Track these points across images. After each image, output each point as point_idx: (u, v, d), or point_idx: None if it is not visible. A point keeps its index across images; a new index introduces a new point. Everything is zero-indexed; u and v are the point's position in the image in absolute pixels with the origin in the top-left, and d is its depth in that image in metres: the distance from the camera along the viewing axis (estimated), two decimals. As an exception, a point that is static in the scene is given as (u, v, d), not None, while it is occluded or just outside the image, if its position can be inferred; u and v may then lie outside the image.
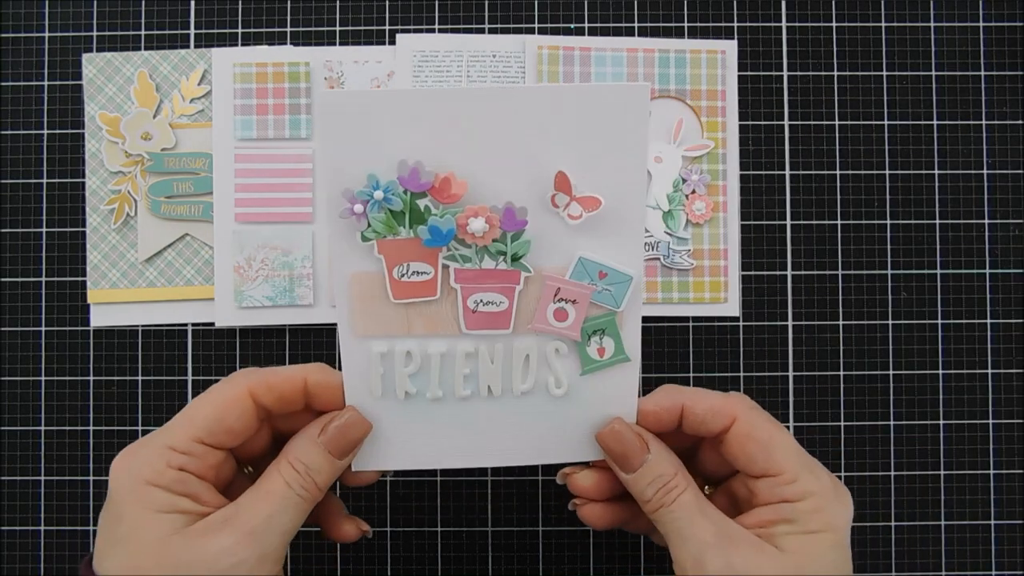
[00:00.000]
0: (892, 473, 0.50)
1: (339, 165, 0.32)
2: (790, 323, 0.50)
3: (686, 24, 0.51)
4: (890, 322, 0.50)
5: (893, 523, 0.49)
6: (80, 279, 0.50)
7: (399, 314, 0.35)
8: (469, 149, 0.32)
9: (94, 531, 0.49)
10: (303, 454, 0.34)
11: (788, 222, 0.50)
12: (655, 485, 0.34)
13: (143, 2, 0.51)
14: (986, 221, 0.50)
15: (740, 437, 0.35)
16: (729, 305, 0.50)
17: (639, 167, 0.33)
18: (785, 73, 0.51)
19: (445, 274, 0.34)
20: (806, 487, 0.33)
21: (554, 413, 0.36)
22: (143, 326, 0.50)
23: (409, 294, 0.34)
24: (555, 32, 0.50)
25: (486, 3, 0.51)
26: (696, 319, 0.50)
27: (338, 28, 0.51)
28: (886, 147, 0.51)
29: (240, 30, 0.50)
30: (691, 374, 0.50)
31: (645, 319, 0.49)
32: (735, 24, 0.51)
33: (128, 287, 0.49)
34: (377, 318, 0.35)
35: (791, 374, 0.50)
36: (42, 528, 0.49)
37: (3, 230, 0.50)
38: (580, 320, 0.35)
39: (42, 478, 0.49)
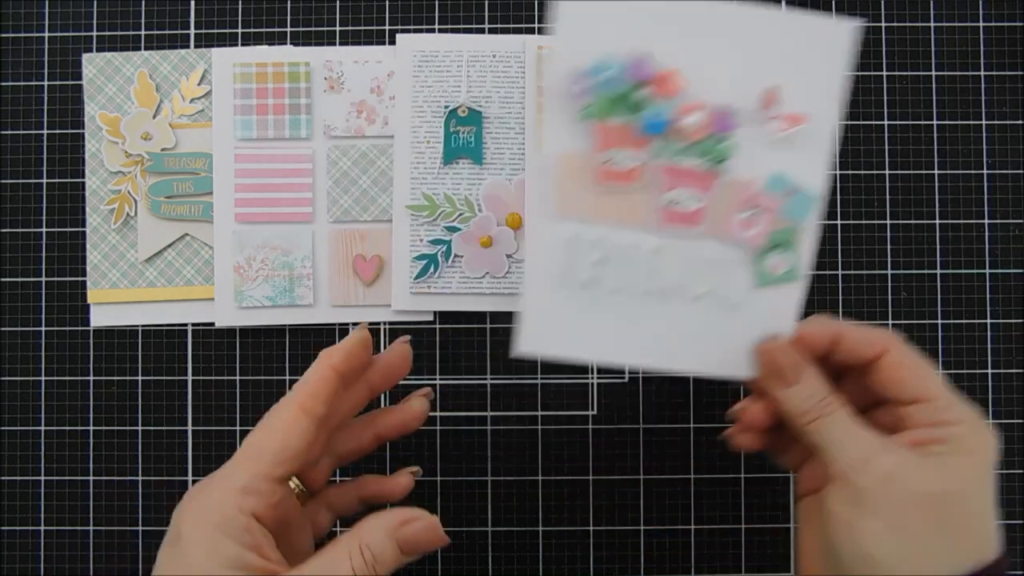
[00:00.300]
0: (892, 473, 0.50)
1: (571, 51, 0.35)
2: (790, 323, 0.50)
3: (686, 24, 0.51)
4: (890, 322, 0.50)
5: (893, 523, 0.49)
6: (80, 279, 0.50)
7: (596, 200, 0.36)
8: (690, 56, 0.35)
9: (94, 531, 0.49)
10: (376, 544, 0.33)
11: (788, 222, 0.50)
12: (813, 398, 0.35)
13: (143, 2, 0.51)
14: (986, 221, 0.50)
15: (893, 365, 0.35)
16: (729, 305, 0.50)
17: (835, 95, 0.36)
18: (785, 73, 0.51)
19: (648, 167, 0.36)
20: (959, 414, 0.34)
21: (722, 322, 0.37)
22: (143, 326, 0.50)
23: (612, 179, 0.36)
24: (555, 32, 0.50)
25: (486, 3, 0.51)
26: (696, 319, 0.50)
27: (338, 28, 0.51)
28: (886, 147, 0.51)
29: (240, 30, 0.50)
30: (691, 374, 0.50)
31: (645, 319, 0.50)
32: (735, 24, 0.51)
33: (128, 287, 0.49)
34: (575, 201, 0.36)
35: (791, 374, 0.50)
36: (42, 528, 0.49)
37: (3, 230, 0.50)
38: (765, 231, 0.36)
39: (42, 478, 0.49)
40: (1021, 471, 0.50)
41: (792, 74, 0.36)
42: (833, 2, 0.51)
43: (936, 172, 0.51)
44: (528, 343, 0.37)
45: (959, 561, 0.33)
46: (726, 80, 0.36)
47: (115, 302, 0.49)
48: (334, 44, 0.50)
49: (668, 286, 0.37)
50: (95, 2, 0.51)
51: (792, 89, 0.36)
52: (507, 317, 0.50)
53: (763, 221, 0.36)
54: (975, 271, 0.50)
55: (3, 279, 0.50)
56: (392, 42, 0.50)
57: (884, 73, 0.51)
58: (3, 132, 0.50)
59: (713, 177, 0.36)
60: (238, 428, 0.49)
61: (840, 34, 0.36)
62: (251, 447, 0.34)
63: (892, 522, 0.33)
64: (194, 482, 0.48)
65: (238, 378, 0.49)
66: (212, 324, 0.49)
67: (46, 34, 0.50)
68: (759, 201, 0.36)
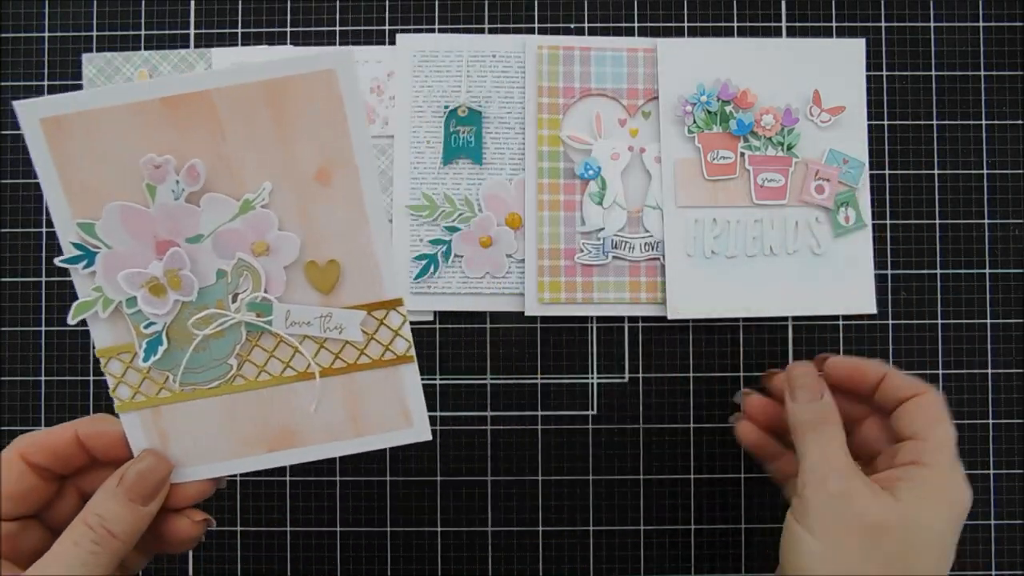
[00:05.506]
0: (892, 473, 0.50)
1: (674, 81, 0.49)
2: (790, 324, 0.50)
3: (686, 24, 0.51)
4: (890, 322, 0.50)
5: (893, 523, 0.49)
6: (80, 279, 0.50)
7: (709, 189, 0.49)
8: (756, 77, 0.49)
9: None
10: (98, 506, 0.33)
11: (788, 222, 0.50)
12: (817, 415, 0.39)
13: (143, 2, 0.51)
14: (986, 221, 0.50)
15: (922, 404, 0.38)
16: (729, 305, 0.51)
17: (859, 90, 0.50)
18: (785, 73, 0.51)
19: (741, 160, 0.49)
20: (939, 460, 0.36)
21: (813, 269, 0.49)
22: (143, 326, 0.50)
23: (717, 173, 0.49)
24: (555, 32, 0.50)
25: (486, 3, 0.51)
26: (696, 320, 0.50)
27: (338, 28, 0.51)
28: (886, 147, 0.51)
29: (240, 30, 0.50)
30: (691, 374, 0.50)
31: (645, 320, 0.50)
32: (735, 24, 0.51)
33: (128, 287, 0.49)
34: (694, 192, 0.49)
35: (791, 374, 0.50)
36: (42, 528, 0.49)
37: (3, 230, 0.50)
38: (832, 194, 0.49)
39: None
40: (1021, 471, 0.50)
41: (828, 79, 0.49)
42: (832, 4, 0.51)
43: (936, 172, 0.51)
44: (676, 310, 0.48)
45: None
46: (783, 90, 0.49)
47: (115, 302, 0.49)
48: (334, 44, 0.50)
49: (771, 247, 0.49)
50: (95, 2, 0.51)
51: (829, 90, 0.49)
52: (508, 317, 0.50)
53: (829, 187, 0.49)
54: (975, 271, 0.50)
55: (3, 279, 0.50)
56: (392, 42, 0.50)
57: (884, 73, 0.51)
58: (3, 132, 0.50)
59: (788, 160, 0.49)
60: (238, 428, 0.49)
61: (854, 48, 0.50)
62: None
63: (829, 543, 0.34)
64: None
65: (238, 378, 0.49)
66: (212, 324, 0.49)
67: (46, 34, 0.50)
68: (823, 172, 0.49)
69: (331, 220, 0.35)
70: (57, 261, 0.34)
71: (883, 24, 0.51)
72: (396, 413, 0.36)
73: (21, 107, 0.32)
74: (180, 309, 0.35)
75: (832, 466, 0.36)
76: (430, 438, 0.37)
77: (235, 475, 0.37)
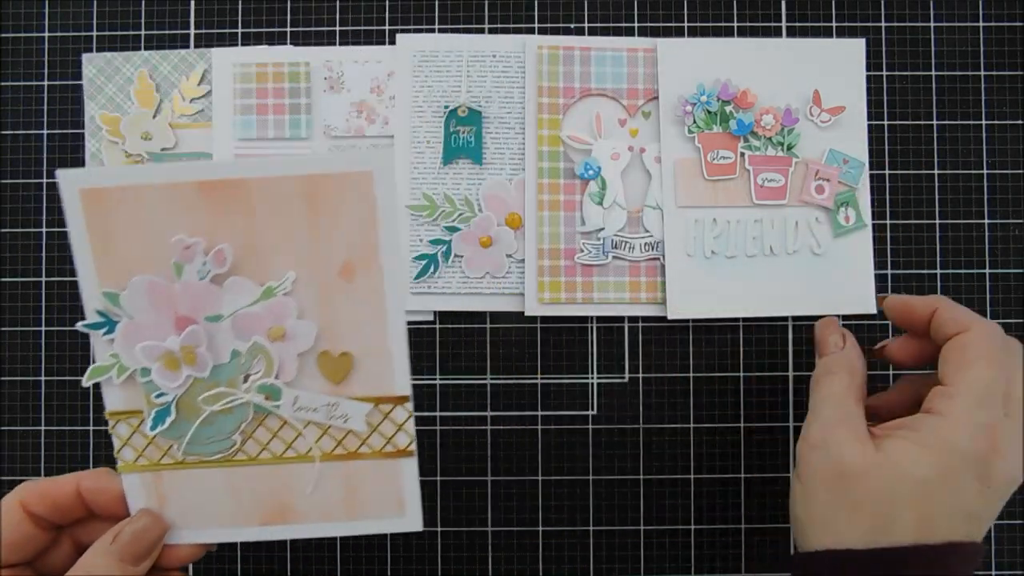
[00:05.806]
0: (892, 473, 0.50)
1: (673, 80, 0.49)
2: (790, 324, 0.50)
3: (686, 24, 0.51)
4: (891, 322, 0.50)
5: (893, 523, 0.49)
6: (80, 279, 0.50)
7: (709, 189, 0.49)
8: (756, 77, 0.49)
9: (94, 531, 0.49)
10: (90, 564, 0.33)
11: (788, 222, 0.50)
12: (823, 367, 0.40)
13: (143, 2, 0.51)
14: (986, 221, 0.50)
15: (963, 343, 0.37)
16: (729, 305, 0.51)
17: (859, 90, 0.50)
18: (785, 73, 0.51)
19: (741, 160, 0.49)
20: (949, 412, 0.35)
21: (813, 270, 0.49)
22: (143, 326, 0.50)
23: (717, 173, 0.49)
24: (555, 32, 0.50)
25: (486, 3, 0.51)
26: (696, 320, 0.50)
27: (338, 28, 0.51)
28: (886, 147, 0.51)
29: (240, 30, 0.50)
30: (691, 374, 0.50)
31: (645, 320, 0.50)
32: (735, 24, 0.51)
33: (128, 287, 0.49)
34: (694, 192, 0.49)
35: (791, 374, 0.50)
36: (42, 528, 0.49)
37: (3, 230, 0.50)
38: (833, 194, 0.49)
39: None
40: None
41: (828, 79, 0.49)
42: (832, 4, 0.51)
43: (936, 172, 0.51)
44: (676, 310, 0.48)
45: (857, 536, 0.35)
46: (783, 90, 0.49)
47: (115, 302, 0.49)
48: (334, 44, 0.50)
49: (771, 247, 0.49)
50: (95, 2, 0.51)
51: (829, 90, 0.49)
52: (508, 317, 0.50)
53: (829, 187, 0.49)
54: (975, 271, 0.50)
55: (3, 279, 0.50)
56: (392, 42, 0.50)
57: (884, 73, 0.51)
58: (3, 132, 0.50)
59: (788, 160, 0.49)
60: (238, 428, 0.49)
61: (854, 48, 0.50)
62: None
63: (804, 489, 0.37)
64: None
65: (238, 378, 0.49)
66: (212, 324, 0.49)
67: (46, 34, 0.50)
68: (823, 172, 0.49)
69: (350, 314, 0.35)
70: (79, 326, 0.35)
71: (883, 24, 0.51)
72: (391, 502, 0.37)
73: (63, 176, 0.33)
74: (192, 384, 0.35)
75: (817, 415, 0.38)
76: (421, 528, 0.37)
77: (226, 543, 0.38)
